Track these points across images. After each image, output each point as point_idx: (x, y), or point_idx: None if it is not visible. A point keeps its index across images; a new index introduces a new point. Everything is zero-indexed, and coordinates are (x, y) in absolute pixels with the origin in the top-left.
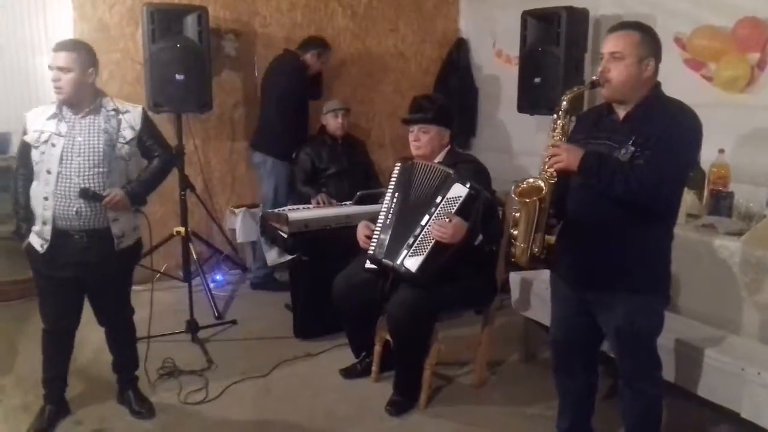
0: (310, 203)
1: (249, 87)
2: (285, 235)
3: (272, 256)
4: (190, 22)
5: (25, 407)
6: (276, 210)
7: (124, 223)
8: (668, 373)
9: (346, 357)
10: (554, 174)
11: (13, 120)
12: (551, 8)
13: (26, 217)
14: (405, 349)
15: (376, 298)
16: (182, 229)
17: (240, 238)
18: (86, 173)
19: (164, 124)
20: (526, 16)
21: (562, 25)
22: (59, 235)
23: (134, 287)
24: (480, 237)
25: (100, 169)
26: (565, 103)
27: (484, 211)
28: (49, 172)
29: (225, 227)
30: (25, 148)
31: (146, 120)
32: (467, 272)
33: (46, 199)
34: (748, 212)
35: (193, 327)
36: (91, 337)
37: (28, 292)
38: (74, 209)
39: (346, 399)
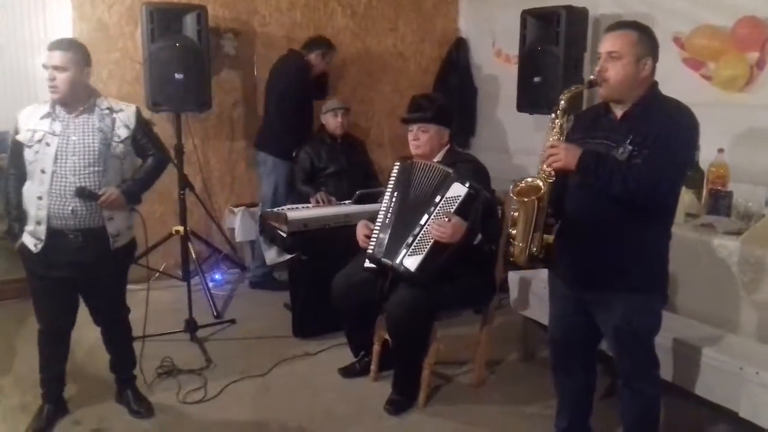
0: (309, 202)
1: (248, 86)
2: (284, 235)
3: (271, 255)
4: (189, 22)
5: (23, 407)
6: (275, 209)
7: (119, 222)
8: (666, 372)
9: (345, 356)
10: (552, 173)
11: (12, 119)
12: (551, 7)
13: (18, 217)
14: (404, 348)
15: (375, 298)
16: (181, 228)
17: (239, 237)
18: (82, 172)
19: (163, 123)
20: (526, 15)
21: (561, 24)
22: (54, 235)
23: (132, 286)
24: (479, 236)
25: (96, 168)
26: (563, 102)
27: (483, 210)
28: (43, 171)
29: (224, 226)
30: (17, 148)
31: (140, 119)
32: (466, 271)
33: (40, 198)
34: (747, 212)
35: (191, 326)
36: (89, 336)
37: (25, 292)
38: (70, 208)
39: (345, 398)
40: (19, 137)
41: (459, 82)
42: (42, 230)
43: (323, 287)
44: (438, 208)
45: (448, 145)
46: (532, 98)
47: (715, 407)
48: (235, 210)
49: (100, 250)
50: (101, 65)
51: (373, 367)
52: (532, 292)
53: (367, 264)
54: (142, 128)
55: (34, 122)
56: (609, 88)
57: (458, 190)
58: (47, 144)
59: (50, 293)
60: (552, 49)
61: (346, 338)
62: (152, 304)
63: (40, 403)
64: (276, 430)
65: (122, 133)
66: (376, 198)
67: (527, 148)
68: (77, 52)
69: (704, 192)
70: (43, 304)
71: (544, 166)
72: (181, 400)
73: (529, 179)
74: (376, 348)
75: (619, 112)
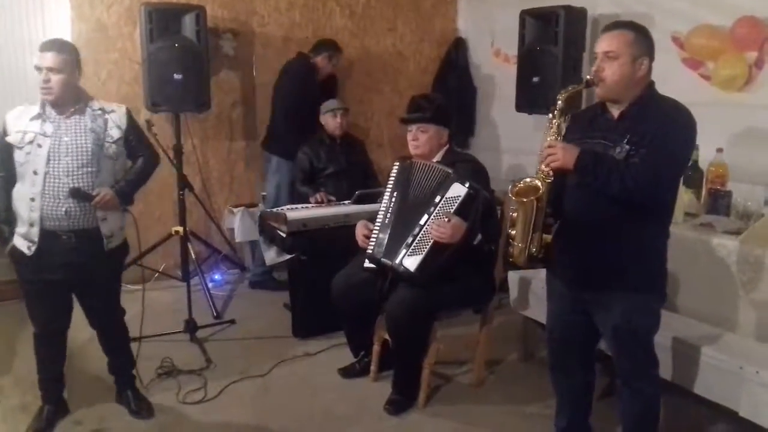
0: (309, 202)
1: (247, 86)
2: (283, 235)
3: (271, 255)
4: (188, 22)
5: (23, 407)
6: (274, 209)
7: (113, 223)
8: (665, 371)
9: (345, 356)
10: (551, 173)
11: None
12: (549, 7)
13: (8, 220)
14: (404, 348)
15: (374, 298)
16: (180, 229)
17: (238, 237)
18: (75, 173)
19: (162, 123)
20: (525, 15)
21: (560, 24)
22: (47, 237)
23: (130, 286)
24: (479, 236)
25: (89, 169)
26: (560, 102)
27: (482, 210)
28: (35, 172)
29: (223, 227)
30: (7, 150)
31: (131, 120)
32: (466, 271)
33: (32, 200)
34: (746, 211)
35: (191, 326)
36: (88, 336)
37: None
38: (63, 209)
39: (345, 398)
40: (9, 139)
41: (458, 82)
42: (35, 232)
43: (323, 287)
44: (438, 208)
45: (447, 145)
46: (531, 98)
47: (715, 406)
48: (235, 210)
49: (93, 251)
50: (100, 65)
51: (372, 367)
52: (532, 291)
53: (367, 264)
54: (134, 129)
55: (24, 123)
56: (606, 87)
57: (458, 191)
58: (39, 145)
59: (43, 296)
60: (551, 49)
61: (346, 338)
62: (152, 304)
63: (40, 403)
64: (276, 430)
65: (115, 133)
66: (375, 198)
67: (526, 148)
68: (71, 54)
69: (703, 191)
70: (36, 307)
71: (543, 166)
72: (180, 400)
73: (528, 179)
74: (376, 348)
75: (616, 111)
